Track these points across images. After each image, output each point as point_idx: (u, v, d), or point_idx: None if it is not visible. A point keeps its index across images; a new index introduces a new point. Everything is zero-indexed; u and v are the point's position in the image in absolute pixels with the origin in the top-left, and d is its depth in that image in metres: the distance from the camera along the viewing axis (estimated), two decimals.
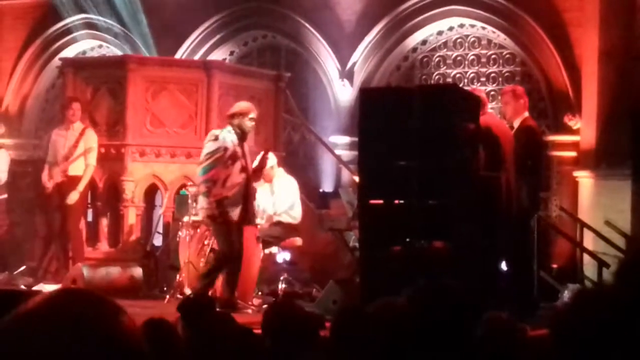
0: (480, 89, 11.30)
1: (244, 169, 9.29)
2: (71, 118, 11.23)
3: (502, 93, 9.88)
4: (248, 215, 9.41)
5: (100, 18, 15.14)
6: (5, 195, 12.57)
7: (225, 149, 9.21)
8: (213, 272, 9.29)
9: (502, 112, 9.85)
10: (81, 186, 11.06)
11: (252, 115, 9.44)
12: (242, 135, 9.39)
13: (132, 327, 1.49)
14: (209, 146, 9.27)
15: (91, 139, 11.19)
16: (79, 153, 11.10)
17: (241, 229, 9.36)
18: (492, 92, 13.02)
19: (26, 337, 1.41)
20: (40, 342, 1.41)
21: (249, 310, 9.39)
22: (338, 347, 4.17)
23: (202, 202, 9.32)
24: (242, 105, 9.64)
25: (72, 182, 11.07)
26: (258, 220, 10.21)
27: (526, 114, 9.48)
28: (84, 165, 11.12)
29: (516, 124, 9.34)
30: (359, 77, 13.83)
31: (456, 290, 2.62)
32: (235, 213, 9.22)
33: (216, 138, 9.25)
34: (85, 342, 1.42)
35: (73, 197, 11.00)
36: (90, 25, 15.36)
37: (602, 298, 1.54)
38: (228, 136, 9.28)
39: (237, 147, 9.29)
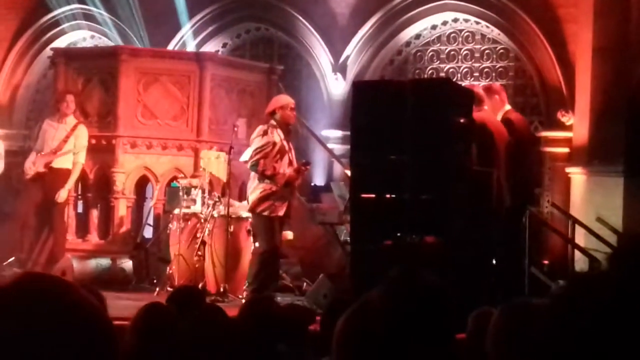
0: (479, 85, 11.27)
1: (290, 163, 9.50)
2: (65, 111, 11.15)
3: None
4: (290, 210, 9.68)
5: (93, 8, 15.07)
6: None
7: (274, 144, 9.38)
8: (262, 271, 9.39)
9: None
10: (70, 183, 11.02)
11: (293, 105, 9.64)
12: (286, 129, 9.58)
13: (93, 302, 1.48)
14: (257, 141, 9.45)
15: (82, 136, 11.11)
16: (67, 148, 11.02)
17: (282, 223, 9.61)
18: None
19: None
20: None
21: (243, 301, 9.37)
22: (328, 341, 4.13)
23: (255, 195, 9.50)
24: (280, 98, 9.98)
25: (55, 175, 11.00)
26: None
27: (507, 107, 9.43)
28: (70, 160, 11.05)
29: (498, 119, 9.33)
30: (352, 71, 13.79)
31: (431, 284, 2.58)
32: (282, 208, 9.41)
33: (265, 133, 9.46)
34: (44, 318, 1.41)
35: (63, 196, 10.96)
36: (82, 16, 15.29)
37: (595, 283, 1.52)
38: (275, 131, 9.38)
39: (284, 142, 9.45)
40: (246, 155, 10.02)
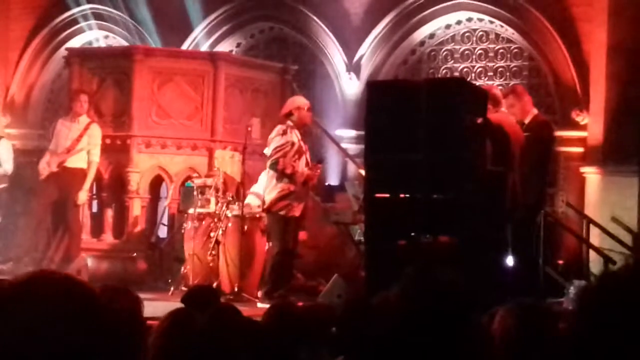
0: (496, 86, 11.25)
1: (307, 163, 9.58)
2: (78, 110, 11.22)
3: (504, 96, 9.85)
4: (307, 211, 9.82)
5: (107, 8, 15.10)
6: (5, 185, 12.55)
7: (293, 144, 9.46)
8: (275, 272, 9.42)
9: (510, 113, 9.78)
10: (87, 184, 11.13)
11: (309, 106, 9.73)
12: (302, 130, 9.73)
13: (103, 304, 1.50)
14: (277, 140, 9.52)
15: (96, 135, 11.18)
16: (80, 147, 11.09)
17: (298, 224, 9.69)
18: (500, 87, 12.93)
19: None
20: (9, 319, 1.40)
21: (258, 303, 9.38)
22: (344, 340, 4.14)
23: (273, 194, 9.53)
24: (296, 99, 10.10)
25: (69, 174, 11.06)
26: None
27: (535, 110, 9.48)
28: (83, 159, 11.11)
29: (527, 120, 9.33)
30: (366, 71, 13.78)
31: (446, 282, 2.58)
32: (299, 208, 9.50)
33: (284, 132, 9.55)
34: (55, 317, 1.42)
35: (82, 198, 11.09)
36: (96, 16, 15.33)
37: (629, 277, 1.52)
38: (293, 132, 9.51)
39: (301, 142, 9.52)
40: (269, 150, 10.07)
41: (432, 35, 13.84)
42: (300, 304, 5.65)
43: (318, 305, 5.01)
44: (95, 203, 12.15)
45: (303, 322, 4.21)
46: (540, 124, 9.32)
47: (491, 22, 13.37)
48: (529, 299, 4.04)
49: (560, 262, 11.56)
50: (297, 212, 9.55)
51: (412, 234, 7.96)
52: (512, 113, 9.53)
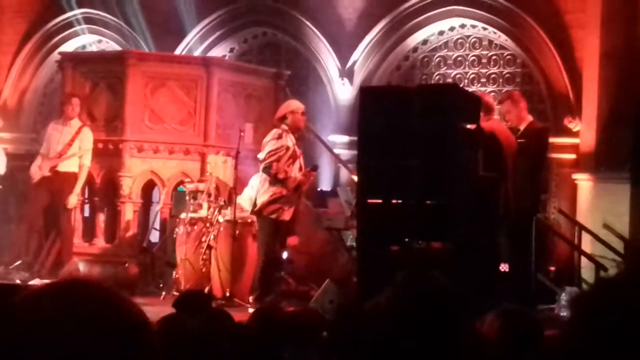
0: (489, 94, 11.27)
1: (301, 168, 9.58)
2: (70, 114, 11.21)
3: (500, 102, 9.88)
4: (298, 215, 9.80)
5: (101, 12, 15.10)
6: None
7: (287, 148, 9.46)
8: (263, 277, 9.43)
9: (506, 119, 9.81)
10: (78, 188, 11.11)
11: (303, 110, 9.71)
12: (296, 135, 9.74)
13: (141, 315, 1.48)
14: (271, 144, 9.51)
15: (87, 139, 11.17)
16: (72, 152, 11.08)
17: (289, 229, 9.72)
18: (493, 93, 12.97)
19: (30, 323, 1.39)
20: (44, 328, 1.38)
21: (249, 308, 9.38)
22: (336, 346, 4.15)
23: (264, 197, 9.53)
24: (291, 103, 10.06)
25: (61, 178, 11.05)
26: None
27: (530, 117, 9.53)
28: (75, 164, 11.10)
29: (522, 127, 9.37)
30: (359, 76, 13.79)
31: (436, 287, 2.58)
32: (289, 212, 9.51)
33: (280, 136, 9.53)
34: (89, 329, 1.39)
35: (72, 201, 11.07)
36: (90, 20, 15.32)
37: (624, 283, 1.52)
38: (288, 136, 9.51)
39: (295, 147, 9.54)
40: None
41: (425, 42, 13.86)
42: (290, 309, 5.65)
43: (304, 310, 5.01)
44: (87, 207, 12.13)
45: (287, 326, 4.21)
46: (536, 131, 9.36)
47: (484, 29, 13.40)
48: (513, 305, 4.04)
49: (552, 268, 11.58)
50: (287, 217, 9.55)
51: (405, 239, 7.96)
52: (507, 119, 9.56)
